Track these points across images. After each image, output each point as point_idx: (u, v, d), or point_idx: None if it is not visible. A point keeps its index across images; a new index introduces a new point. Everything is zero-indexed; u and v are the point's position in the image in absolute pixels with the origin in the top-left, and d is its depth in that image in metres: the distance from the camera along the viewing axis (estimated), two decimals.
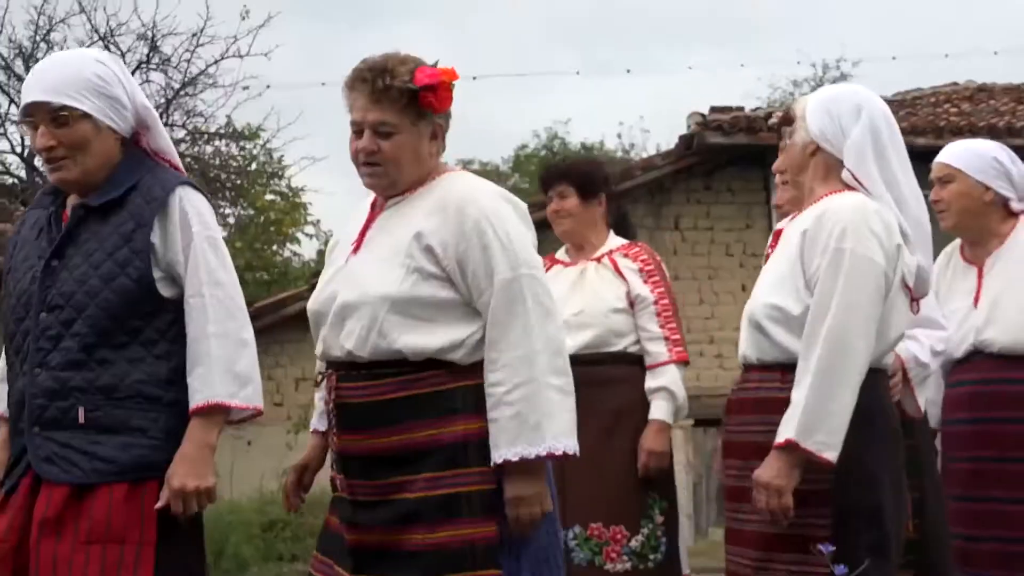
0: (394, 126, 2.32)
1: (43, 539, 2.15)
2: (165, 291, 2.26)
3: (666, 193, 10.40)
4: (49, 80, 2.25)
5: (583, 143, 24.63)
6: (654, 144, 22.15)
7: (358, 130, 2.37)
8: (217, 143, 12.10)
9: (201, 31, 11.19)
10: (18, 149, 11.05)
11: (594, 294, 3.43)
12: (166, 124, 10.84)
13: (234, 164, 12.06)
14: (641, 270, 3.49)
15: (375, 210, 2.46)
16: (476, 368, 2.27)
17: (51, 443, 2.20)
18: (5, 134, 10.96)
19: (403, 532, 2.26)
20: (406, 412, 2.27)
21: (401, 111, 2.31)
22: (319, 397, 2.63)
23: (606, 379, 3.33)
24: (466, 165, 25.27)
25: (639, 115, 46.44)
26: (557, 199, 3.59)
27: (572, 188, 3.58)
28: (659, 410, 3.37)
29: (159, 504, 2.18)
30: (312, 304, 2.50)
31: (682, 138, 10.31)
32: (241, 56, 11.30)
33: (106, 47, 11.06)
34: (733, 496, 2.54)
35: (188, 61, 11.36)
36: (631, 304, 3.44)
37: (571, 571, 3.22)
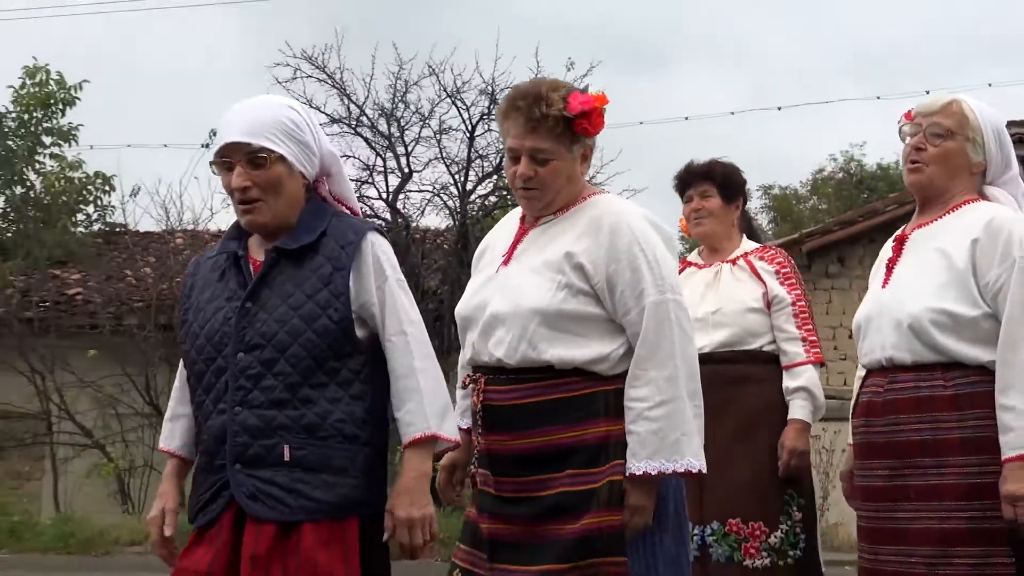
0: (550, 152, 2.42)
1: (254, 575, 2.16)
2: (359, 332, 2.27)
3: None
4: (248, 122, 2.25)
5: (879, 164, 24.50)
6: None
7: (515, 156, 2.46)
8: None
9: None
10: (384, 195, 12.64)
11: (730, 294, 3.44)
12: (503, 168, 12.12)
13: None
14: (777, 272, 3.50)
15: (525, 224, 2.56)
16: (618, 378, 2.38)
17: (254, 480, 2.20)
18: (372, 182, 12.65)
19: (543, 524, 2.38)
20: (550, 415, 2.39)
21: (556, 138, 2.41)
22: (462, 395, 2.72)
23: (742, 377, 3.37)
24: (767, 190, 25.72)
25: None
26: (698, 198, 3.58)
27: (714, 188, 3.57)
28: (799, 410, 3.36)
29: (386, 536, 2.23)
30: (462, 309, 2.61)
31: None
32: None
33: (453, 103, 12.54)
34: (886, 496, 2.53)
35: None
36: (767, 305, 3.45)
37: (710, 567, 3.30)
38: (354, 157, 12.53)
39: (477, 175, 12.94)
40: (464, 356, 2.61)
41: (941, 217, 2.59)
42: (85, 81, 14.92)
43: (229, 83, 32.27)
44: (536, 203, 2.49)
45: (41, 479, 12.20)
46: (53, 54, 21.85)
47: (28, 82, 14.61)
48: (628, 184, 17.52)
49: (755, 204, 26.07)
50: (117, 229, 14.65)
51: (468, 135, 12.82)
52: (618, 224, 2.40)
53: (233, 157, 2.24)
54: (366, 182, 12.68)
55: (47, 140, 15.06)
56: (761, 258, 3.53)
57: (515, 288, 2.43)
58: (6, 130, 14.76)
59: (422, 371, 2.24)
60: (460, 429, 2.60)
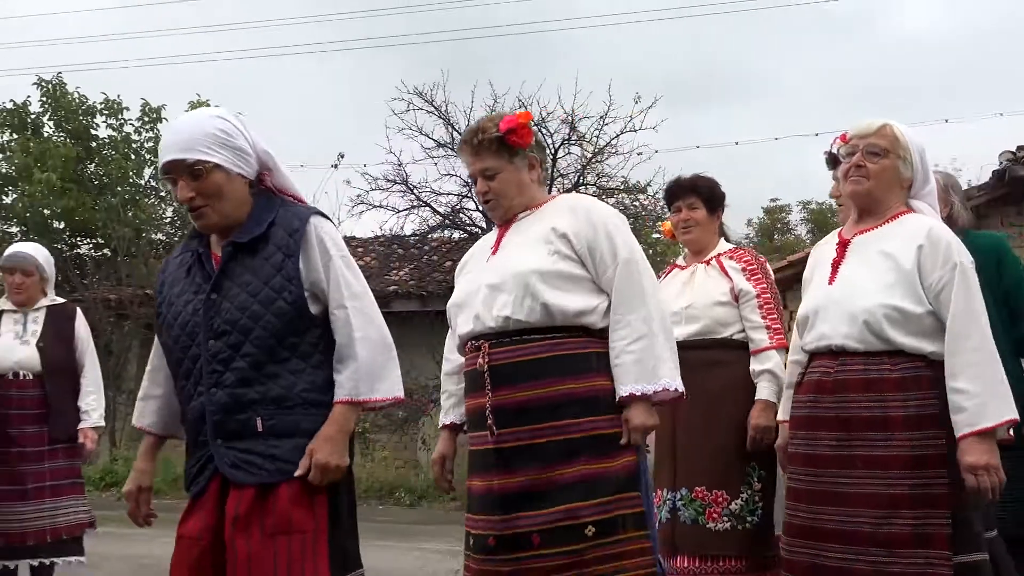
0: (494, 168, 2.84)
1: (236, 535, 2.33)
2: (313, 308, 2.46)
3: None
4: (182, 140, 2.41)
5: None
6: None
7: (474, 178, 2.92)
8: (619, 196, 15.38)
9: (606, 114, 14.75)
10: (481, 208, 14.52)
11: (702, 290, 3.73)
12: (581, 184, 14.22)
13: (631, 212, 14.99)
14: (744, 269, 3.77)
15: (503, 227, 2.92)
16: (606, 335, 2.72)
17: (233, 451, 2.39)
18: (471, 197, 14.25)
19: (553, 470, 2.63)
20: (552, 369, 2.68)
21: (496, 155, 2.82)
22: (445, 397, 3.07)
23: (713, 361, 3.63)
24: (806, 205, 27.32)
25: (952, 157, 46.13)
26: (686, 210, 3.88)
27: (700, 201, 3.88)
28: (764, 390, 3.58)
29: (298, 472, 2.37)
30: (453, 300, 2.92)
31: (994, 172, 11.84)
32: (635, 130, 14.62)
33: (539, 131, 14.52)
34: (833, 463, 2.71)
35: (597, 136, 15.08)
36: (735, 298, 3.71)
37: (677, 528, 3.57)
38: (456, 176, 14.79)
39: (558, 191, 14.28)
40: (460, 333, 2.85)
41: (881, 225, 2.84)
42: (239, 113, 17.47)
43: (353, 114, 35.52)
44: (498, 210, 2.89)
45: None
46: (211, 92, 24.85)
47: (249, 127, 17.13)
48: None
49: (795, 217, 30.08)
50: None
51: (551, 157, 14.97)
52: (590, 205, 2.84)
53: (175, 173, 2.41)
54: (466, 196, 14.82)
55: None
56: (731, 257, 3.81)
57: (511, 262, 2.75)
58: None
59: (361, 340, 2.43)
60: (446, 427, 3.02)
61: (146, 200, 17.17)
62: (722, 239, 3.97)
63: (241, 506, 2.36)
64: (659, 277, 3.56)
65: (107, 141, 17.53)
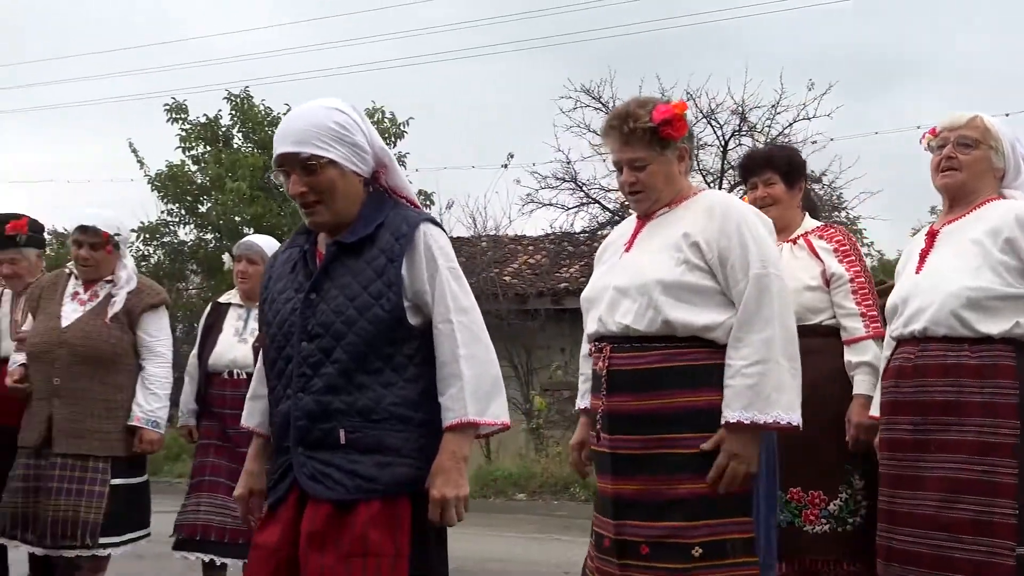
0: (645, 159, 2.71)
1: (310, 552, 2.23)
2: (412, 320, 2.32)
3: None
4: (297, 132, 2.30)
5: None
6: None
7: (618, 167, 2.79)
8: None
9: (778, 102, 14.51)
10: None
11: (789, 273, 3.16)
12: None
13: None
14: (836, 250, 3.47)
15: (641, 220, 2.82)
16: None
17: (314, 462, 2.28)
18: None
19: (663, 483, 2.56)
20: (670, 380, 2.58)
21: (647, 146, 2.69)
22: (583, 380, 3.01)
23: (803, 351, 3.10)
24: None
25: None
26: (763, 186, 3.58)
27: (777, 175, 3.57)
28: (863, 384, 3.31)
29: (431, 515, 2.24)
30: (587, 293, 2.87)
31: None
32: (809, 118, 14.32)
33: (708, 123, 14.45)
34: (910, 447, 2.77)
35: (768, 126, 14.93)
36: (826, 282, 3.43)
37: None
38: None
39: (730, 183, 14.59)
40: (587, 331, 2.83)
41: (968, 213, 2.89)
42: (411, 118, 17.59)
43: (521, 114, 36.01)
44: (643, 203, 2.79)
45: None
46: (384, 98, 25.80)
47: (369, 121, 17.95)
48: (865, 187, 18.24)
49: None
50: None
51: (722, 149, 14.75)
52: (728, 209, 2.66)
53: (288, 166, 2.31)
54: None
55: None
56: (820, 237, 3.53)
57: (639, 266, 2.67)
58: None
59: (466, 358, 2.27)
60: (583, 411, 2.98)
61: None
62: (807, 215, 3.69)
63: (316, 522, 2.26)
64: None
65: None
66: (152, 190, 17.40)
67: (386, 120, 17.74)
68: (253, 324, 4.49)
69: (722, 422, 2.53)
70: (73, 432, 4.05)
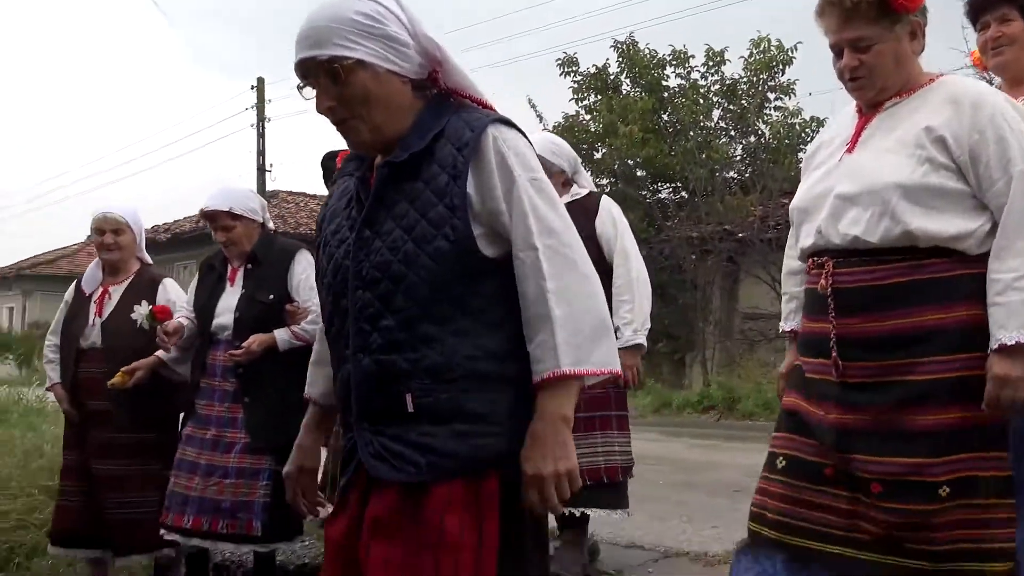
0: (870, 37, 2.31)
1: (374, 541, 1.83)
2: (488, 250, 1.84)
3: None
4: (313, 32, 1.84)
5: None
6: None
7: (838, 51, 2.38)
8: None
9: None
10: None
11: None
12: None
13: None
14: None
15: (864, 114, 2.42)
16: (982, 258, 2.21)
17: (381, 437, 1.85)
18: None
19: (905, 412, 2.21)
20: (911, 296, 2.23)
21: (874, 21, 2.30)
22: (787, 299, 2.68)
23: None
24: None
25: None
26: (996, 24, 2.93)
27: (1015, 10, 2.94)
28: None
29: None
30: (799, 202, 2.49)
31: None
32: None
33: None
34: None
35: None
36: None
37: None
38: None
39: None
40: (802, 244, 2.46)
41: None
42: (799, 43, 17.20)
43: None
44: (868, 91, 2.38)
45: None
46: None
47: (754, 51, 17.60)
48: None
49: None
50: None
51: None
52: (979, 98, 2.26)
53: (311, 76, 1.86)
54: None
55: (771, 96, 17.94)
56: None
57: (869, 168, 2.30)
58: (739, 92, 17.98)
59: (557, 292, 1.78)
60: (790, 333, 2.64)
61: (717, 141, 18.02)
62: None
63: (381, 507, 1.83)
64: None
65: (677, 90, 18.65)
66: None
67: (772, 48, 17.62)
68: None
69: (993, 346, 2.16)
70: None
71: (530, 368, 1.82)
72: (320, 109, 1.89)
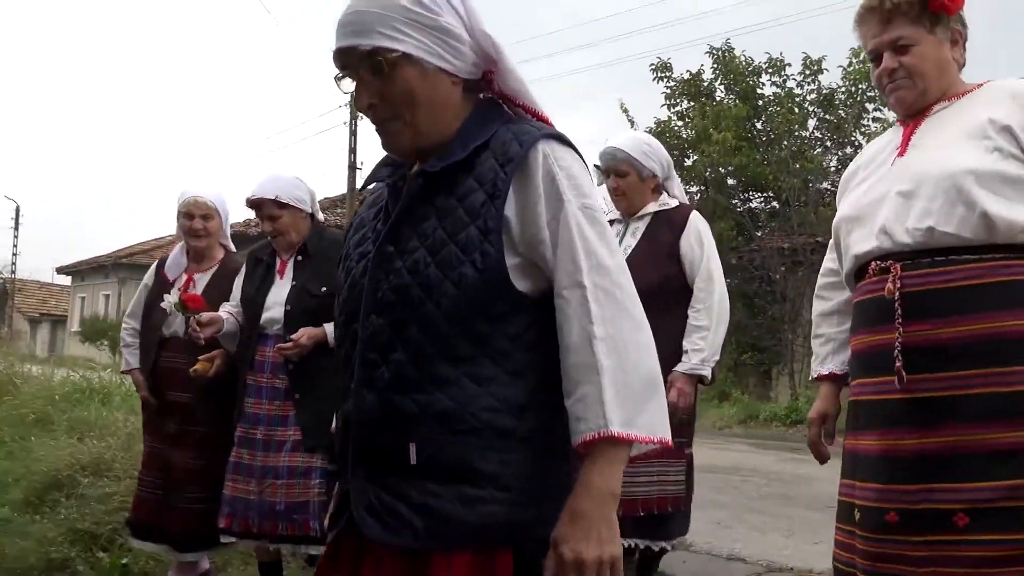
0: (910, 38, 2.23)
1: None
2: (522, 283, 1.60)
3: None
4: (356, 19, 1.62)
5: None
6: None
7: (877, 56, 2.29)
8: None
9: None
10: None
11: None
12: None
13: None
14: None
15: (910, 124, 2.28)
16: None
17: (377, 489, 1.60)
18: None
19: (988, 431, 1.99)
20: (991, 299, 2.03)
21: (914, 22, 2.23)
22: (821, 343, 2.50)
23: None
24: None
25: None
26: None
27: None
28: None
29: None
30: (845, 212, 2.32)
31: None
32: None
33: None
34: None
35: None
36: None
37: None
38: None
39: None
40: (857, 252, 2.24)
41: None
42: None
43: None
44: (908, 93, 2.25)
45: None
46: None
47: (853, 60, 17.18)
48: None
49: None
50: None
51: None
52: None
53: (351, 68, 1.64)
54: None
55: (869, 107, 17.53)
56: None
57: (930, 162, 2.13)
58: (836, 102, 17.69)
59: (606, 339, 1.52)
60: (825, 378, 2.45)
61: (811, 151, 17.75)
62: None
63: (377, 572, 1.61)
64: None
65: (772, 98, 18.42)
66: None
67: None
68: (629, 240, 3.86)
69: None
70: None
71: (552, 427, 1.59)
72: (360, 107, 1.66)
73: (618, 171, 3.85)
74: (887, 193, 2.17)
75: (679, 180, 3.98)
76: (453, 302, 1.57)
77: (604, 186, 3.95)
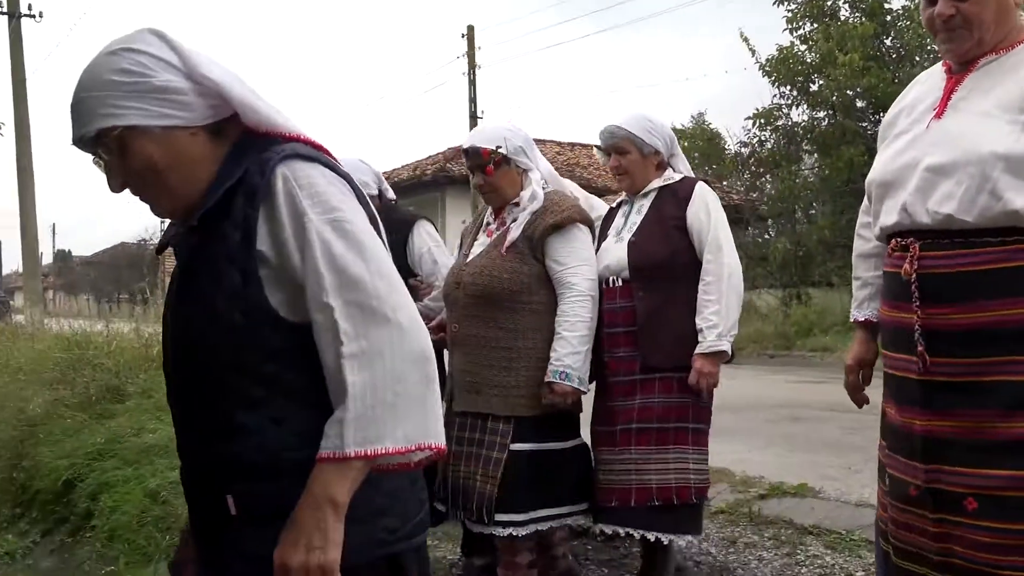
0: None
1: None
2: (296, 314, 1.56)
3: None
4: (75, 108, 1.60)
5: None
6: None
7: (930, 1, 2.15)
8: None
9: None
10: None
11: None
12: None
13: None
14: None
15: (955, 74, 2.16)
16: None
17: (203, 540, 1.67)
18: None
19: (1002, 418, 1.96)
20: (1012, 285, 1.96)
21: None
22: (859, 285, 2.44)
23: None
24: None
25: None
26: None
27: None
28: None
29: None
30: (879, 174, 2.22)
31: None
32: None
33: None
34: None
35: None
36: None
37: None
38: None
39: None
40: (883, 223, 2.20)
41: None
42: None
43: None
44: (962, 43, 2.11)
45: None
46: None
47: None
48: None
49: None
50: None
51: None
52: None
53: (94, 156, 1.64)
54: None
55: None
56: None
57: (964, 135, 2.02)
58: None
59: (356, 356, 1.48)
60: (862, 323, 2.44)
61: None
62: None
63: None
64: None
65: (901, 12, 17.62)
66: (763, 76, 17.93)
67: None
68: (636, 218, 3.71)
69: None
70: (469, 387, 3.43)
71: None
72: (113, 189, 1.64)
73: (619, 149, 3.76)
74: (917, 163, 2.09)
75: (684, 157, 3.87)
76: (232, 352, 1.57)
77: (571, 181, 3.86)
